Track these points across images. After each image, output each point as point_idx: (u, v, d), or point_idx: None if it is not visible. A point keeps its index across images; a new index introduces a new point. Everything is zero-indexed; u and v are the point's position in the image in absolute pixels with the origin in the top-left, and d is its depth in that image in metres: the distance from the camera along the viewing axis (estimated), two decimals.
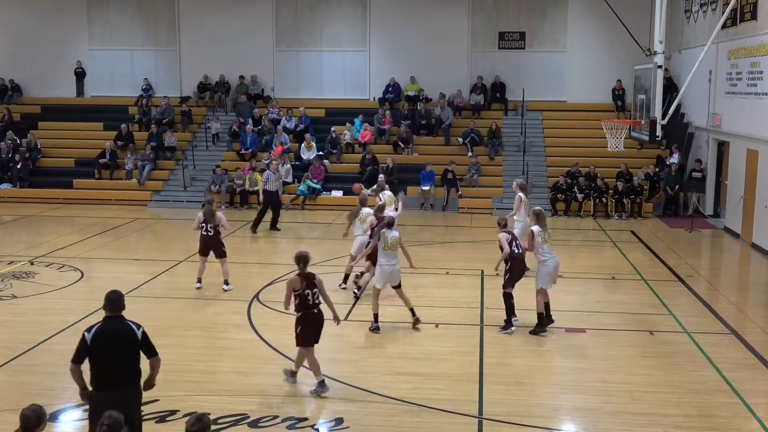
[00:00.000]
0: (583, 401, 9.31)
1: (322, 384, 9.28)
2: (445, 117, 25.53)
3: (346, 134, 25.23)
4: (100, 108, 27.72)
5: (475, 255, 16.38)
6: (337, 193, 23.44)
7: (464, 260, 15.88)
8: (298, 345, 9.42)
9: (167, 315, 12.44)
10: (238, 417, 8.61)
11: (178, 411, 8.71)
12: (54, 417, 8.56)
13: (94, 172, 24.75)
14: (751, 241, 18.20)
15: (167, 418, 8.56)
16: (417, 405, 9.00)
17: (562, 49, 26.60)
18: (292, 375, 9.67)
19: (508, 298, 11.55)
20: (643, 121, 16.41)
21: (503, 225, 11.88)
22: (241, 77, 27.35)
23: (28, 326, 11.81)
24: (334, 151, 24.83)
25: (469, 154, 24.36)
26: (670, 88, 22.12)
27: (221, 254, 13.81)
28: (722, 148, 21.10)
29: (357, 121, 25.60)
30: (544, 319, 11.66)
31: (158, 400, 8.92)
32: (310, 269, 9.42)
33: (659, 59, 15.56)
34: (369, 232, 13.20)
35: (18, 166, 24.57)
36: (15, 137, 25.50)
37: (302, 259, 9.28)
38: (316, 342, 9.43)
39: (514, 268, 11.49)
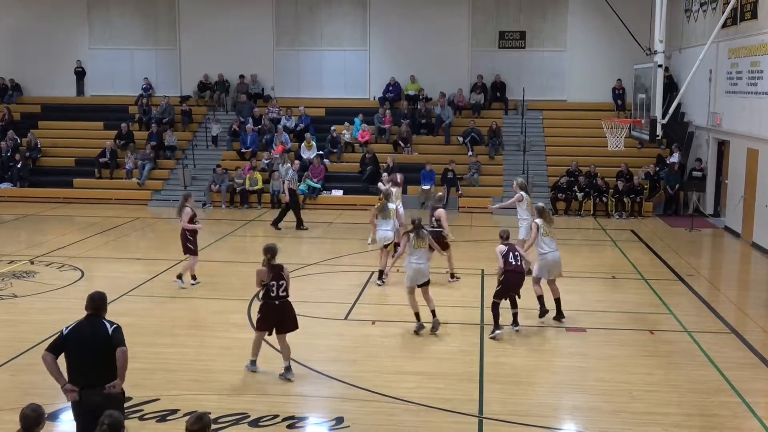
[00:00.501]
0: (583, 400, 9.32)
1: (253, 363, 9.88)
2: (445, 116, 25.53)
3: (345, 134, 25.23)
4: (101, 107, 27.72)
5: (476, 254, 16.38)
6: (338, 193, 23.44)
7: (464, 260, 15.87)
8: (255, 329, 9.96)
9: (167, 314, 12.45)
10: (239, 416, 8.61)
11: (179, 410, 8.71)
12: (54, 417, 8.56)
13: (95, 172, 24.75)
14: (751, 241, 18.20)
15: (168, 418, 8.57)
16: (417, 404, 9.01)
17: (563, 48, 26.60)
18: (286, 370, 9.78)
19: (494, 307, 11.35)
20: (643, 121, 16.42)
21: (505, 238, 11.61)
22: (242, 76, 27.35)
23: (28, 325, 11.81)
24: (335, 151, 24.83)
25: (470, 153, 24.36)
26: (671, 88, 22.12)
27: (184, 249, 13.95)
28: (722, 147, 21.10)
29: (357, 120, 25.60)
30: (541, 309, 11.97)
31: (159, 399, 8.95)
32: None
33: (659, 58, 15.57)
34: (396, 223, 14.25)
35: (18, 166, 24.57)
36: (15, 136, 25.51)
37: (269, 251, 9.62)
38: (269, 332, 9.75)
39: (508, 280, 11.26)
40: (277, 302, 9.58)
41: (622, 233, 19.79)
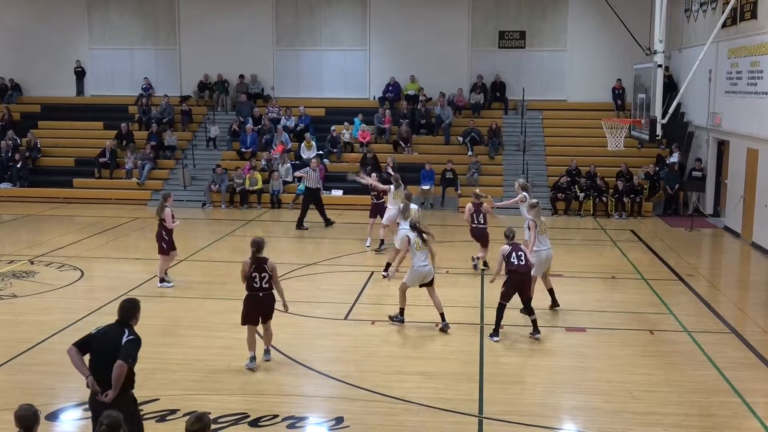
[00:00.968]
0: (583, 400, 9.32)
1: (252, 359, 10.05)
2: (445, 116, 25.52)
3: (345, 134, 25.22)
4: (100, 107, 27.71)
5: (476, 254, 16.35)
6: (337, 193, 23.43)
7: (464, 259, 15.88)
8: (241, 323, 10.10)
9: (167, 314, 12.43)
10: (238, 416, 8.61)
11: (179, 410, 8.71)
12: (54, 417, 8.57)
13: (94, 172, 24.74)
14: (751, 240, 18.20)
15: (167, 417, 8.56)
16: (417, 404, 9.00)
17: (563, 48, 26.59)
18: (265, 353, 10.30)
19: (500, 309, 11.29)
20: (643, 120, 16.40)
21: (510, 237, 11.53)
22: (241, 76, 27.35)
23: (28, 325, 11.81)
24: (334, 151, 24.82)
25: (469, 153, 24.36)
26: (670, 87, 22.12)
27: (159, 249, 13.94)
28: (722, 147, 21.10)
29: (357, 120, 25.60)
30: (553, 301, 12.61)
31: (159, 399, 8.94)
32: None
33: (659, 58, 15.55)
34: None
35: (18, 166, 24.56)
36: (15, 136, 25.49)
37: (254, 245, 9.96)
38: (256, 324, 10.04)
39: (512, 280, 11.21)
40: (260, 294, 9.88)
41: (622, 233, 19.78)
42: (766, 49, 17.36)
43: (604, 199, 22.18)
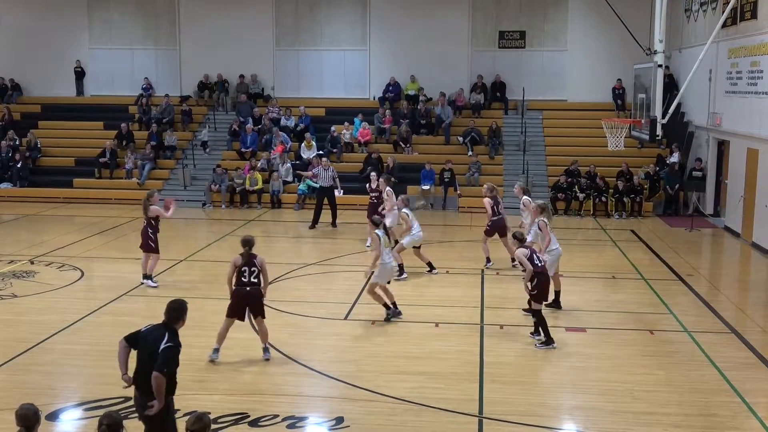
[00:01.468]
0: (584, 400, 9.31)
1: (216, 351, 10.24)
2: (445, 116, 25.52)
3: (345, 133, 25.22)
4: (100, 107, 27.70)
5: (476, 254, 16.35)
6: (337, 193, 23.37)
7: (464, 259, 15.88)
8: (226, 315, 10.33)
9: None
10: (239, 416, 8.61)
11: (179, 410, 8.66)
12: (54, 416, 8.57)
13: (94, 172, 24.75)
14: (751, 240, 18.20)
15: None
16: (417, 404, 9.00)
17: (563, 48, 26.59)
18: (264, 351, 10.38)
19: (539, 314, 11.08)
20: (643, 120, 16.40)
21: (522, 240, 11.47)
22: (241, 76, 27.35)
23: (28, 325, 11.80)
24: (334, 150, 24.81)
25: (470, 153, 24.36)
26: (671, 87, 22.13)
27: (145, 246, 13.96)
28: (722, 147, 21.10)
29: (357, 120, 25.60)
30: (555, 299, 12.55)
31: None
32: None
33: (659, 58, 15.55)
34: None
35: (18, 166, 24.56)
36: (15, 136, 25.50)
37: (246, 243, 10.27)
38: (239, 318, 10.29)
39: (540, 282, 11.05)
40: (248, 288, 10.10)
41: (622, 233, 19.78)
42: (766, 49, 17.36)
43: (604, 199, 22.17)
